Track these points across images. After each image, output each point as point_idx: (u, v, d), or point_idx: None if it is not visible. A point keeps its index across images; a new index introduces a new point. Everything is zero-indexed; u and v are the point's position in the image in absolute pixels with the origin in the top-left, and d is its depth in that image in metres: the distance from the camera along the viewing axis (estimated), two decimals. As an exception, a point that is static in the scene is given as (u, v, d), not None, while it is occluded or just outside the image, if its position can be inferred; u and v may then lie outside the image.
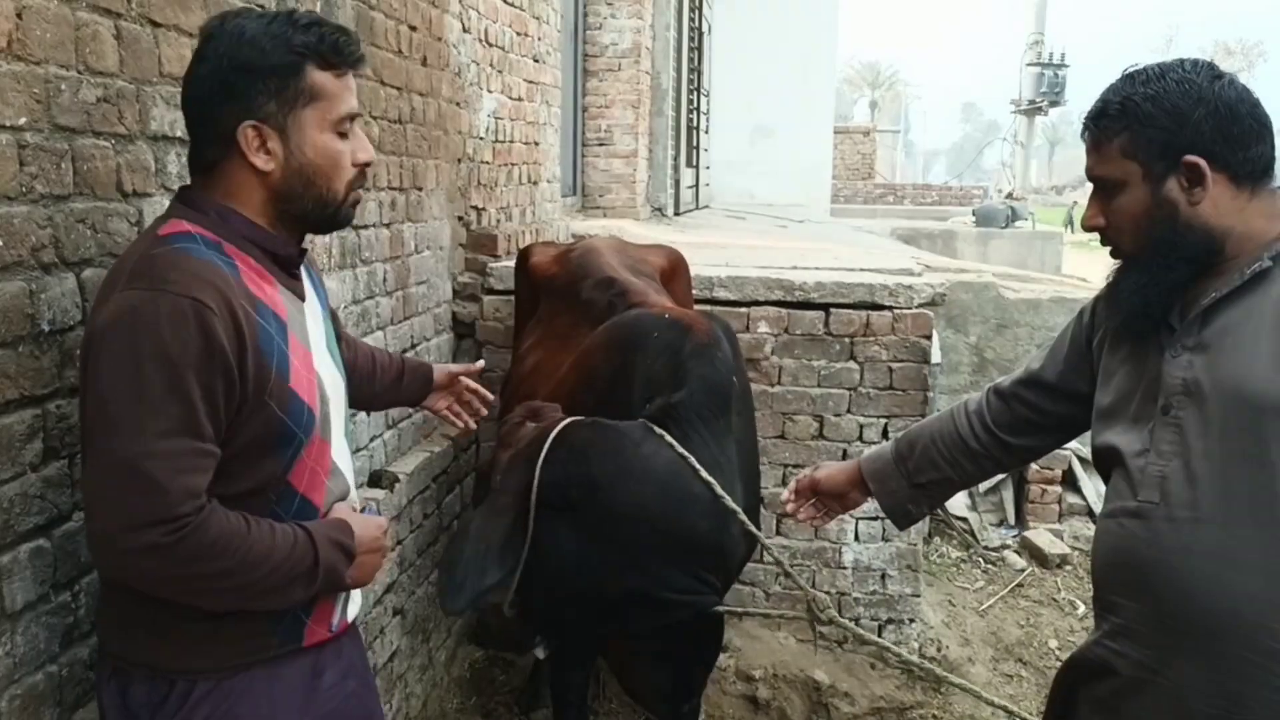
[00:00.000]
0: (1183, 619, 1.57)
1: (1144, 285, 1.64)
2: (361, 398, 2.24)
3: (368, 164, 1.67)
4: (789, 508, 2.33)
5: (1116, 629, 1.68)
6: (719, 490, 2.41)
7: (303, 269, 1.76)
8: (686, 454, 2.41)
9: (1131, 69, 1.66)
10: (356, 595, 1.81)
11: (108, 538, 1.45)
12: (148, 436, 1.42)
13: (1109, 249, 1.72)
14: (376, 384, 2.25)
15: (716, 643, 2.85)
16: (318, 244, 2.79)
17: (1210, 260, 1.60)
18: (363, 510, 1.77)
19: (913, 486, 2.14)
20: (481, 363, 2.58)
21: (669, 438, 2.43)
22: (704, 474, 2.41)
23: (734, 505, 2.45)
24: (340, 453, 1.73)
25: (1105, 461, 1.74)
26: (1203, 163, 1.57)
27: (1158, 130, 1.58)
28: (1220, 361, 1.57)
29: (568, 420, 2.46)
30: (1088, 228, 1.71)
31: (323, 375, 1.67)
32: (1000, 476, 6.02)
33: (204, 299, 1.46)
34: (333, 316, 1.98)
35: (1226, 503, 1.54)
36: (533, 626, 2.63)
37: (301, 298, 1.69)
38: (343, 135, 1.63)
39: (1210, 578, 1.54)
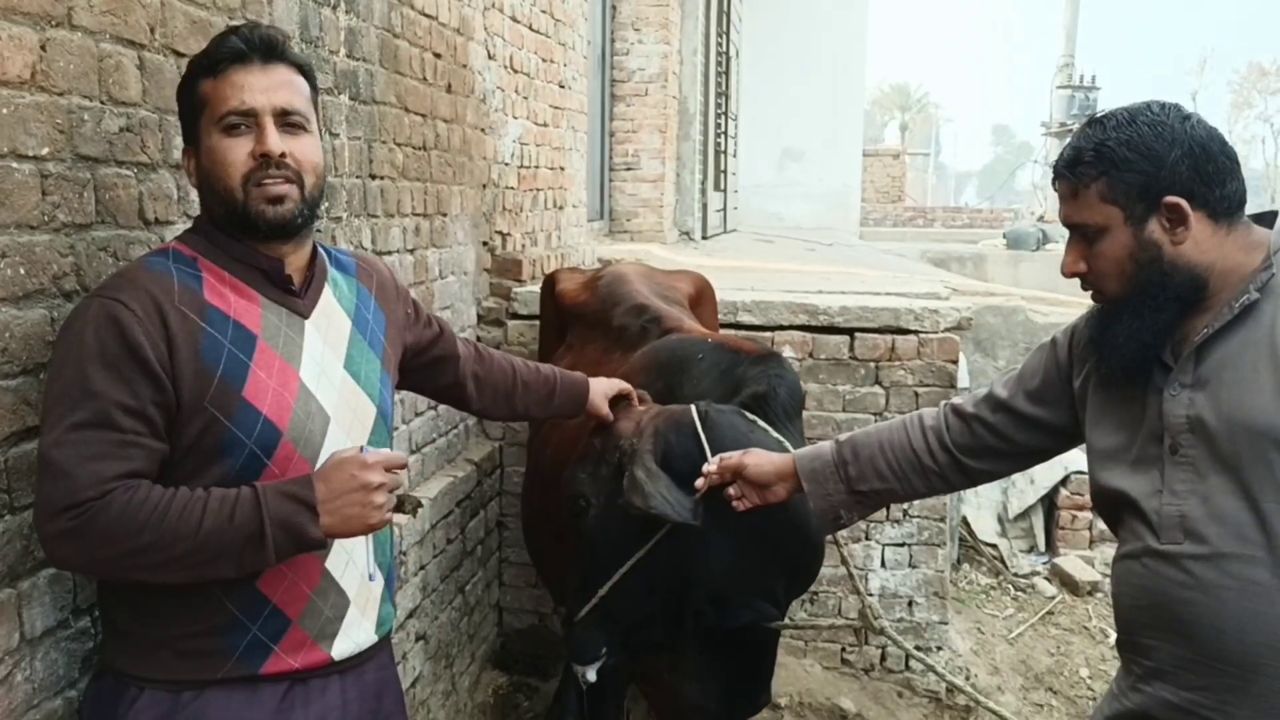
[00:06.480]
0: (1219, 657, 1.55)
1: (1138, 329, 1.64)
2: (498, 410, 2.33)
3: (265, 155, 1.58)
4: (705, 468, 2.20)
5: (1150, 672, 1.65)
6: None
7: (334, 288, 1.78)
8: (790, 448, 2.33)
9: (1097, 114, 1.68)
10: (353, 631, 1.72)
11: (36, 527, 1.49)
12: (61, 429, 1.46)
13: (1091, 294, 1.73)
14: (518, 400, 2.30)
15: (772, 660, 2.75)
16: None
17: (1197, 297, 1.61)
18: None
19: (851, 493, 2.08)
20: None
21: (767, 428, 2.39)
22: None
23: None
24: None
25: (1112, 504, 1.73)
26: (1184, 203, 1.58)
27: (1136, 174, 1.59)
28: (1222, 396, 1.57)
29: (697, 404, 2.40)
30: (1068, 274, 1.72)
31: (315, 392, 1.66)
32: (1031, 502, 5.96)
33: (128, 301, 1.51)
34: (438, 342, 2.11)
35: (1253, 535, 1.53)
36: (602, 631, 2.44)
37: (303, 315, 1.69)
38: (230, 132, 1.59)
39: (1244, 612, 1.53)
